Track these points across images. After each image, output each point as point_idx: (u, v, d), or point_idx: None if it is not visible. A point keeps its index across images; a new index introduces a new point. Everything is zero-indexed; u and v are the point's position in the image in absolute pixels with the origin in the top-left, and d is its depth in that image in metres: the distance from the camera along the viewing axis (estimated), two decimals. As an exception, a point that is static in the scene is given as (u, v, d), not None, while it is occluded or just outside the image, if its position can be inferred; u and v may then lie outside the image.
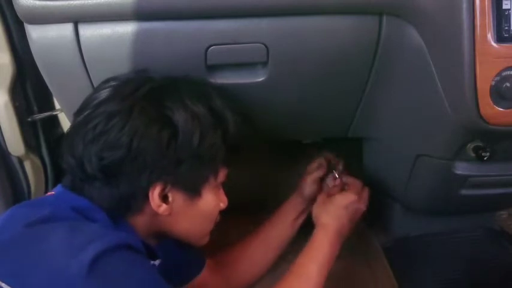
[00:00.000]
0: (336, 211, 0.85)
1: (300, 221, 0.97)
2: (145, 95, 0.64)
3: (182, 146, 0.64)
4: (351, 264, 1.08)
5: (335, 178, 0.95)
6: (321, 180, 0.97)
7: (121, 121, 0.62)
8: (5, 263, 0.54)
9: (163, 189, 0.65)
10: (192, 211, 0.69)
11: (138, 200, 0.65)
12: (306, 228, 0.90)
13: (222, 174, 0.71)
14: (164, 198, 0.66)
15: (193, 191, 0.68)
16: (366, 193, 0.91)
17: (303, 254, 0.80)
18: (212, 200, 0.71)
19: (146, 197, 0.65)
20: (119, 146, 0.62)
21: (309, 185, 0.96)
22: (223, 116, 0.69)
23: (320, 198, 0.91)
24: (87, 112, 0.64)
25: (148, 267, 0.61)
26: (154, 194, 0.64)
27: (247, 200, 1.00)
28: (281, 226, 0.96)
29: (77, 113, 0.66)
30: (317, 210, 0.88)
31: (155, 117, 0.63)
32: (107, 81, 0.68)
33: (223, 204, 0.74)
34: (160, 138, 0.62)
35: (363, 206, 0.88)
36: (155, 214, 0.66)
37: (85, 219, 0.61)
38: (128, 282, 0.55)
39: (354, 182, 0.93)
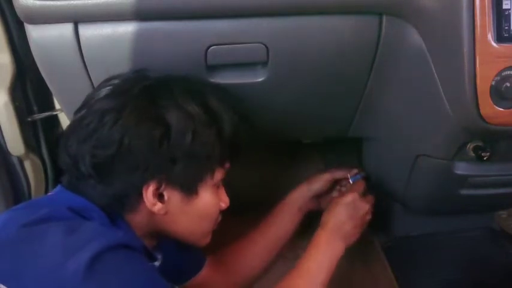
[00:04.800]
0: (334, 209, 0.86)
1: (303, 212, 0.96)
2: (138, 93, 0.64)
3: (175, 144, 0.64)
4: (350, 264, 1.08)
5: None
6: (335, 183, 0.97)
7: (113, 118, 0.62)
8: (2, 264, 0.54)
9: (157, 188, 0.65)
10: (189, 210, 0.68)
11: (132, 198, 0.65)
12: (308, 229, 0.90)
13: (219, 173, 0.71)
14: (160, 197, 0.66)
15: (189, 190, 0.67)
16: (370, 197, 0.91)
17: (304, 253, 0.81)
18: (210, 199, 0.70)
19: (140, 196, 0.64)
20: (111, 143, 0.62)
21: (321, 181, 0.95)
22: (218, 114, 0.68)
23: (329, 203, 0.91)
24: (84, 111, 0.65)
25: (146, 266, 0.61)
26: (148, 193, 0.64)
27: (247, 199, 1.00)
28: (284, 216, 0.95)
29: (76, 112, 0.66)
30: (323, 214, 0.88)
31: (147, 115, 0.63)
32: (107, 80, 0.68)
33: (224, 204, 0.74)
34: (152, 136, 0.62)
35: (364, 205, 0.87)
36: (152, 213, 0.66)
37: (82, 218, 0.61)
38: (126, 282, 0.55)
39: (358, 183, 0.93)
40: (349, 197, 0.87)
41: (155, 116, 0.63)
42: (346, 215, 0.85)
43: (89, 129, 0.62)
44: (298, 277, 0.78)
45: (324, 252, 0.80)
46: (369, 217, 0.89)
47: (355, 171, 0.96)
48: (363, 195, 0.90)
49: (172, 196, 0.66)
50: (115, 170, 0.63)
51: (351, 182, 0.95)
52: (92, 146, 0.62)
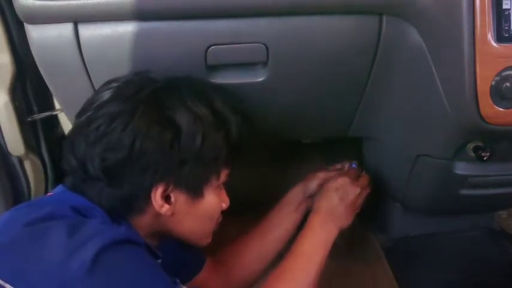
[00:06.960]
0: (325, 194, 0.87)
1: (300, 212, 0.95)
2: (148, 97, 0.65)
3: (185, 147, 0.64)
4: (350, 264, 1.08)
5: None
6: None
7: (123, 122, 0.62)
8: (6, 263, 0.55)
9: (165, 190, 0.65)
10: (194, 211, 0.69)
11: (140, 200, 0.65)
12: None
13: (224, 175, 0.71)
14: (166, 198, 0.66)
15: (196, 192, 0.68)
16: (364, 179, 0.91)
17: (299, 237, 0.82)
18: (214, 200, 0.71)
19: (148, 198, 0.65)
20: (122, 147, 0.62)
21: (316, 180, 0.94)
22: (225, 117, 0.69)
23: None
24: (89, 113, 0.65)
25: (149, 261, 0.61)
26: (157, 195, 0.65)
27: (247, 199, 1.00)
28: (281, 217, 0.95)
29: (79, 115, 0.66)
30: (315, 200, 0.89)
31: (157, 119, 0.63)
32: (108, 82, 0.68)
33: (225, 204, 0.74)
34: (163, 139, 0.63)
35: (355, 188, 0.88)
36: (158, 214, 0.67)
37: (84, 217, 0.61)
38: (130, 276, 0.55)
39: (350, 169, 0.94)
40: (340, 181, 0.88)
41: (165, 119, 0.64)
42: (337, 198, 0.86)
43: (98, 133, 0.62)
44: (295, 258, 0.79)
45: (318, 235, 0.82)
46: (360, 201, 0.89)
47: (347, 164, 0.96)
48: (356, 178, 0.90)
49: (179, 197, 0.67)
50: (125, 173, 0.63)
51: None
52: (103, 149, 0.62)
